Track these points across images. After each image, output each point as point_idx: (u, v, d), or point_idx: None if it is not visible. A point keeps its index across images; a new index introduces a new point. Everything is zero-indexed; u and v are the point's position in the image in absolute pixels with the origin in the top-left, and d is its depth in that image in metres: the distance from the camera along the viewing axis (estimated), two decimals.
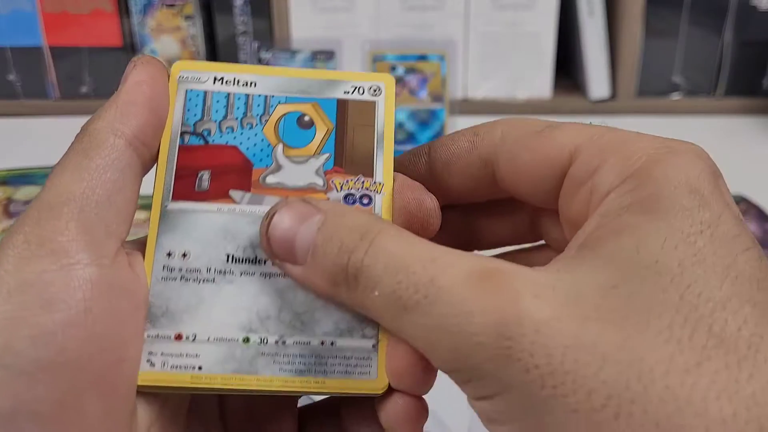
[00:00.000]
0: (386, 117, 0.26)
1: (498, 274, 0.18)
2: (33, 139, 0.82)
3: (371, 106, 0.26)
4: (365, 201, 0.25)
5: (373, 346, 0.24)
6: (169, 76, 0.26)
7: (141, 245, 0.25)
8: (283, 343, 0.24)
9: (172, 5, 0.84)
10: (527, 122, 0.24)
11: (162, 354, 0.23)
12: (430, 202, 0.25)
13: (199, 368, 0.23)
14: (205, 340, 0.24)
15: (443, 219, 0.25)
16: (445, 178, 0.26)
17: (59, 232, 0.21)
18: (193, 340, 0.23)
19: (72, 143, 0.23)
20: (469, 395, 0.20)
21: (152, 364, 0.23)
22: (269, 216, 0.22)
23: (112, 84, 0.90)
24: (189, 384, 0.23)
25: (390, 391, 0.23)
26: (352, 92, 0.27)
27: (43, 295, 0.20)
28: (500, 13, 0.85)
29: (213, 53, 0.88)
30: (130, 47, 0.86)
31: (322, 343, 0.24)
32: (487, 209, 0.28)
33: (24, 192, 0.71)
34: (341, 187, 0.25)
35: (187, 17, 0.85)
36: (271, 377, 0.23)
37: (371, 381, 0.24)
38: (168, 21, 0.85)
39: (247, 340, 0.24)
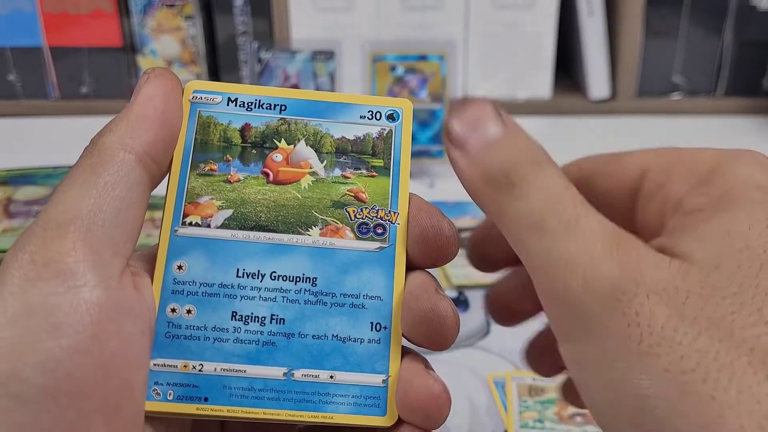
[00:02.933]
0: (403, 144, 0.26)
1: (630, 240, 0.20)
2: (33, 139, 0.82)
3: (388, 133, 0.26)
4: (379, 231, 0.25)
5: (384, 381, 0.23)
6: (183, 90, 0.25)
7: (147, 260, 0.24)
8: (291, 375, 0.23)
9: (172, 5, 0.84)
10: (599, 155, 0.26)
11: (168, 384, 0.23)
12: (448, 229, 0.24)
13: (205, 399, 0.23)
14: (212, 371, 0.23)
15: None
16: None
17: (66, 253, 0.21)
18: (200, 370, 0.23)
19: (80, 157, 0.23)
20: (561, 335, 0.21)
21: (158, 394, 0.23)
22: (464, 99, 0.23)
23: (112, 84, 0.90)
24: (194, 412, 0.23)
25: (399, 423, 0.23)
26: (369, 117, 0.26)
27: (50, 319, 0.20)
28: (500, 13, 0.85)
29: (213, 53, 0.88)
30: (130, 47, 0.86)
31: (332, 377, 0.23)
32: None
33: (24, 192, 0.70)
34: (355, 216, 0.25)
35: (187, 17, 0.85)
36: (278, 410, 0.23)
37: (380, 417, 0.23)
38: (168, 21, 0.85)
39: (254, 372, 0.23)
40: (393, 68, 0.71)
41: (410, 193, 0.25)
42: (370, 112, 0.26)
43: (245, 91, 0.26)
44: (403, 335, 0.24)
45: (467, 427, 0.40)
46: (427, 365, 0.24)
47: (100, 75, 0.87)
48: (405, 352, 0.24)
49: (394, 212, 0.25)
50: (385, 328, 0.24)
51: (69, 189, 0.22)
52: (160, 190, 0.25)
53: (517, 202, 0.21)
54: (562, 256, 0.20)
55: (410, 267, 0.25)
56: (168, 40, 0.86)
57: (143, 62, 0.87)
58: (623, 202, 0.24)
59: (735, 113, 0.86)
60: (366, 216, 0.25)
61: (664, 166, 0.23)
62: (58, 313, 0.20)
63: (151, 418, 0.23)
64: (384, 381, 0.24)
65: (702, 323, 0.19)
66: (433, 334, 0.23)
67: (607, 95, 0.86)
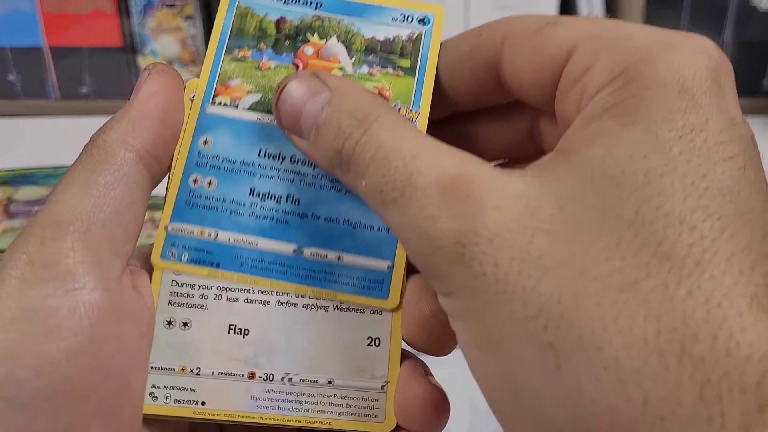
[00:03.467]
0: (431, 48, 0.26)
1: (467, 183, 0.18)
2: (33, 139, 0.82)
3: (418, 35, 0.26)
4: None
5: (382, 387, 0.23)
6: (184, 87, 0.25)
7: (145, 259, 0.24)
8: (290, 380, 0.23)
9: (172, 5, 0.84)
10: (528, 19, 0.23)
11: (165, 387, 0.23)
12: None
13: (203, 403, 0.23)
14: (209, 374, 0.23)
15: (445, 130, 0.24)
16: (450, 84, 0.25)
17: (64, 254, 0.20)
18: (197, 374, 0.23)
19: (80, 155, 0.22)
20: (436, 291, 0.20)
21: (155, 397, 0.23)
22: (280, 87, 0.22)
23: (112, 84, 0.90)
24: (191, 416, 0.23)
25: (397, 428, 0.23)
26: (401, 20, 0.26)
27: (48, 321, 0.20)
28: (500, 13, 0.84)
29: None
30: (130, 47, 0.86)
31: (330, 382, 0.23)
32: (489, 117, 0.27)
33: (24, 192, 0.70)
34: None
35: (187, 17, 0.85)
36: (275, 415, 0.23)
37: (378, 423, 0.23)
38: (168, 21, 0.85)
39: (252, 375, 0.23)
40: None
41: None
42: (402, 15, 0.26)
43: None
44: (403, 339, 0.24)
45: (467, 428, 0.40)
46: (426, 371, 0.24)
47: (100, 75, 0.87)
48: (404, 356, 0.24)
49: (416, 111, 0.25)
50: None
51: (68, 188, 0.21)
52: (160, 190, 0.25)
53: (359, 179, 0.20)
54: (408, 222, 0.19)
55: (411, 272, 0.25)
56: (168, 40, 0.86)
57: (143, 62, 0.87)
58: (545, 80, 0.22)
59: None
60: None
61: (593, 49, 0.20)
62: (56, 315, 0.20)
63: (147, 420, 0.23)
64: (382, 387, 0.23)
65: (547, 263, 0.17)
66: (435, 339, 0.23)
67: None
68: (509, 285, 0.17)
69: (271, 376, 0.23)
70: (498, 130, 0.27)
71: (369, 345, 0.24)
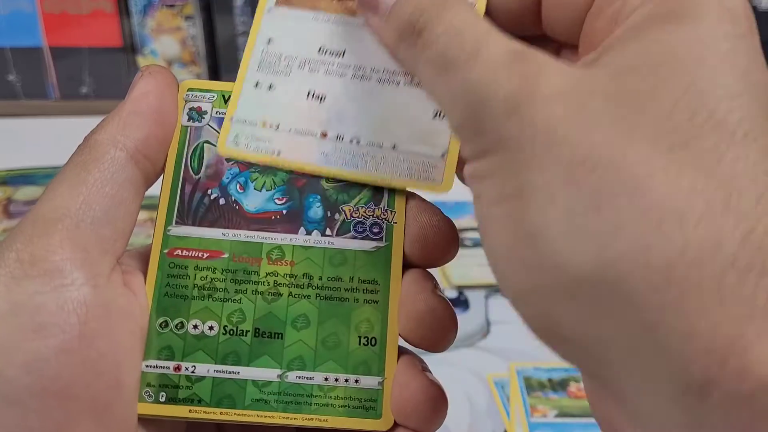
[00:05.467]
0: None
1: (536, 55, 0.19)
2: (33, 139, 0.82)
3: None
4: (375, 230, 0.25)
5: (379, 383, 0.23)
6: (178, 88, 0.25)
7: (142, 259, 0.24)
8: (358, 142, 0.25)
9: (172, 5, 0.84)
10: None
11: (160, 386, 0.23)
12: (449, 227, 0.24)
13: (199, 401, 0.23)
14: (205, 372, 0.23)
15: None
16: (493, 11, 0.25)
17: (53, 251, 0.20)
18: (276, 128, 0.24)
19: (72, 154, 0.22)
20: (467, 154, 0.20)
21: (150, 396, 0.23)
22: None
23: (112, 84, 0.90)
24: (187, 415, 0.23)
25: (395, 426, 0.23)
26: None
27: (36, 318, 0.20)
28: None
29: (213, 53, 0.88)
30: (130, 47, 0.86)
31: (326, 379, 0.24)
32: None
33: (24, 192, 0.71)
34: (351, 215, 0.25)
35: (187, 17, 0.85)
36: (271, 413, 0.23)
37: (376, 420, 0.23)
38: (168, 21, 0.85)
39: (324, 135, 0.25)
40: None
41: (409, 192, 0.25)
42: None
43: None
44: (400, 335, 0.24)
45: (467, 427, 0.40)
46: (423, 367, 0.24)
47: (100, 75, 0.87)
48: (401, 352, 0.24)
49: (391, 210, 0.25)
50: None
51: (59, 186, 0.22)
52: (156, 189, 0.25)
53: (425, 49, 0.21)
54: (466, 84, 0.19)
55: (408, 266, 0.25)
56: (168, 40, 0.86)
57: (143, 62, 0.87)
58: (576, 15, 0.22)
59: None
60: (362, 215, 0.25)
61: None
62: (44, 312, 0.20)
63: (143, 420, 0.23)
64: (380, 383, 0.23)
65: (601, 119, 0.17)
66: (430, 336, 0.23)
67: None
68: (559, 132, 0.18)
69: (342, 137, 0.25)
70: None
71: (434, 118, 0.25)
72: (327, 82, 0.25)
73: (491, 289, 0.52)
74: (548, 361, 0.37)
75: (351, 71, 0.25)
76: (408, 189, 0.25)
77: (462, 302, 0.51)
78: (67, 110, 0.87)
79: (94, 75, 0.87)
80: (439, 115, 0.25)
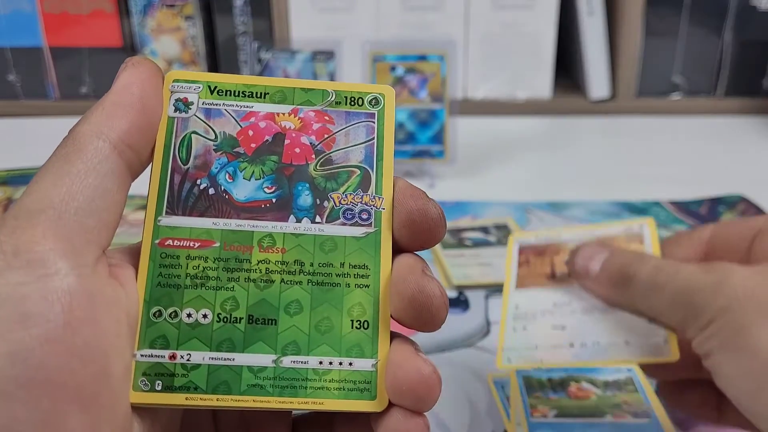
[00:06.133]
0: (386, 129, 0.26)
1: (719, 264, 0.31)
2: (33, 139, 0.82)
3: (370, 117, 0.26)
4: (364, 216, 0.25)
5: (373, 365, 0.24)
6: (163, 79, 0.25)
7: (133, 254, 0.24)
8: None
9: (172, 5, 0.84)
10: (725, 226, 0.36)
11: (155, 375, 0.23)
12: (434, 210, 0.24)
13: (195, 389, 0.23)
14: (200, 360, 0.23)
15: None
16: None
17: (36, 242, 0.20)
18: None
19: (56, 147, 0.22)
20: (692, 334, 0.31)
21: (146, 385, 0.23)
22: (578, 248, 0.38)
23: (111, 84, 0.89)
24: (183, 403, 0.23)
25: (390, 406, 0.23)
26: (351, 103, 0.26)
27: (20, 308, 0.20)
28: (500, 13, 0.85)
29: (213, 53, 0.88)
30: (130, 47, 0.86)
31: (320, 363, 0.24)
32: None
33: None
34: (339, 202, 0.25)
35: (187, 17, 0.85)
36: (267, 398, 0.23)
37: (371, 401, 0.23)
38: (168, 21, 0.85)
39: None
40: (393, 68, 0.71)
41: (395, 177, 0.25)
42: (352, 98, 0.26)
43: (225, 80, 0.26)
44: (392, 317, 0.24)
45: (467, 427, 0.40)
46: (416, 348, 0.24)
47: (100, 75, 0.87)
48: (393, 336, 0.24)
49: (379, 197, 0.25)
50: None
51: (42, 178, 0.22)
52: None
53: (636, 287, 0.34)
54: (676, 291, 0.32)
55: (398, 250, 0.25)
56: (168, 40, 0.86)
57: None
58: (743, 245, 0.34)
59: (735, 113, 0.86)
60: (350, 202, 0.25)
61: None
62: (28, 302, 0.20)
63: (139, 409, 0.23)
64: (374, 365, 0.24)
65: None
66: (422, 315, 0.23)
67: (607, 95, 0.86)
68: (761, 300, 0.29)
69: (585, 344, 0.36)
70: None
71: (649, 323, 0.36)
72: (563, 319, 0.37)
73: (491, 289, 0.52)
74: (548, 361, 0.37)
75: (579, 311, 0.37)
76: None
77: (462, 302, 0.51)
78: (67, 110, 0.87)
79: (94, 75, 0.87)
80: (654, 321, 0.35)
